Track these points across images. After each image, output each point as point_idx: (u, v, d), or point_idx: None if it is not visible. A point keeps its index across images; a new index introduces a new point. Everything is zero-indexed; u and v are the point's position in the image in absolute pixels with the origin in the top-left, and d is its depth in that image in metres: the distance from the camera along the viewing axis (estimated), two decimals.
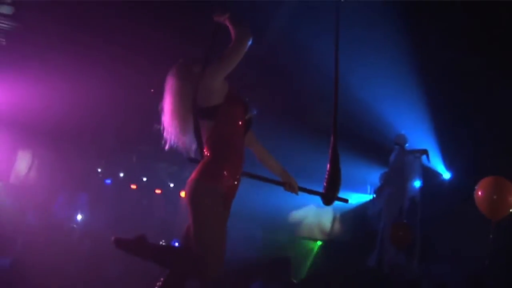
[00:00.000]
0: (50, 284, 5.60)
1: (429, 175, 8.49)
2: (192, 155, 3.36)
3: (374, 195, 9.08)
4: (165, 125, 3.26)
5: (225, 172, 3.11)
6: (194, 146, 3.32)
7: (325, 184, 3.51)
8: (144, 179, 12.45)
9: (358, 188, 9.61)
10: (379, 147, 8.77)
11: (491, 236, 5.96)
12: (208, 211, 3.02)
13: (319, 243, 10.04)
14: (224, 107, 3.17)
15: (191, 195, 3.05)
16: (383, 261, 7.72)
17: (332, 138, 3.59)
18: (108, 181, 12.58)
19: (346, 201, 3.66)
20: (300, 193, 3.55)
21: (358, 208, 9.79)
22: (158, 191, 12.40)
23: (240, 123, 3.24)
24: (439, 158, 8.71)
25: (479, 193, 6.09)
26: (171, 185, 12.39)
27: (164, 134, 3.27)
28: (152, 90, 7.94)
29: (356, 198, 9.78)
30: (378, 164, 9.10)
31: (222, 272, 3.06)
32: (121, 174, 12.41)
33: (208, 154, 3.18)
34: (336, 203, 3.58)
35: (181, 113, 3.22)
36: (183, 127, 3.25)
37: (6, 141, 9.05)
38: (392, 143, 8.27)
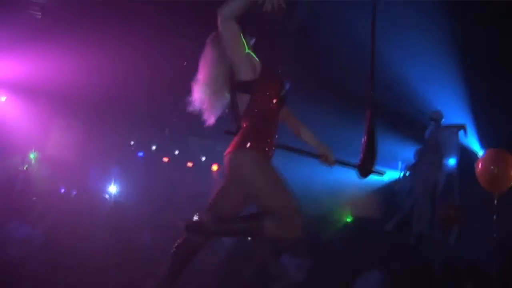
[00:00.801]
0: (82, 252, 5.74)
1: (465, 152, 8.31)
2: (219, 127, 3.37)
3: (407, 172, 8.94)
4: (198, 96, 3.25)
5: (261, 143, 3.12)
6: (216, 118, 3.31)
7: (361, 156, 3.47)
8: (176, 152, 12.55)
9: (389, 164, 9.49)
10: (413, 123, 8.61)
11: (495, 217, 5.83)
12: (263, 176, 3.04)
13: (348, 218, 10.02)
14: (260, 82, 3.16)
15: (238, 166, 3.07)
16: (412, 233, 7.65)
17: (368, 110, 3.53)
18: (141, 153, 12.75)
19: (382, 174, 3.62)
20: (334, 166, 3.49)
21: (389, 185, 9.70)
22: (189, 164, 12.51)
23: (275, 98, 3.22)
24: (474, 136, 8.51)
25: (479, 166, 6.00)
26: (203, 158, 12.47)
27: (197, 105, 3.25)
28: (185, 63, 7.94)
29: (387, 174, 9.69)
30: (411, 140, 8.95)
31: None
32: (154, 147, 12.54)
33: (244, 126, 3.19)
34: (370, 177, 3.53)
35: (216, 85, 3.23)
36: (217, 99, 3.26)
37: (42, 113, 9.21)
38: (427, 119, 8.11)
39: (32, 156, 9.28)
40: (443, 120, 7.96)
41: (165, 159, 12.54)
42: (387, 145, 8.23)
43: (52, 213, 6.77)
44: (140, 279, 5.97)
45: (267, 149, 3.13)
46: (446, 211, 7.35)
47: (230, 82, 3.22)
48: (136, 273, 6.12)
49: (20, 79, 8.21)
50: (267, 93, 3.19)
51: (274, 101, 3.22)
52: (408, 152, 8.93)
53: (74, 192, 9.21)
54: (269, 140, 3.16)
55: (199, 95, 3.25)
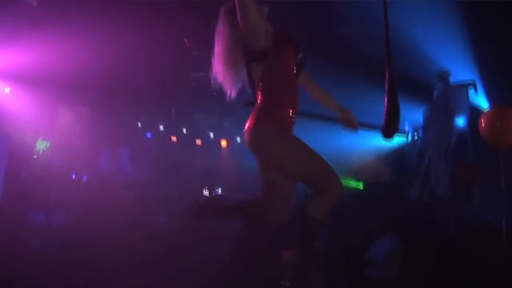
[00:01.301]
0: (98, 234, 5.81)
1: (475, 110, 8.21)
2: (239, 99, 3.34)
3: (415, 133, 8.85)
4: (216, 70, 3.23)
5: (279, 114, 3.08)
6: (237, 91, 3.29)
7: (384, 117, 3.42)
8: (184, 130, 12.54)
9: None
10: (420, 83, 8.48)
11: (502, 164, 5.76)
12: (284, 147, 3.03)
13: (361, 184, 10.02)
14: (273, 48, 3.10)
15: (258, 144, 3.06)
16: (425, 191, 7.63)
17: (387, 70, 3.48)
18: (149, 134, 12.75)
19: (406, 133, 3.60)
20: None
21: (397, 148, 9.64)
22: (198, 142, 12.51)
23: (291, 64, 3.16)
24: (482, 93, 8.39)
25: (482, 123, 6.00)
26: (211, 135, 12.45)
27: (218, 79, 3.24)
28: (186, 40, 7.86)
29: (395, 137, 9.61)
30: (417, 101, 8.82)
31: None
32: (161, 127, 12.52)
33: (261, 98, 3.15)
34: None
35: (231, 58, 3.19)
36: (236, 72, 3.22)
37: (47, 101, 9.20)
38: (435, 78, 7.98)
39: (41, 145, 9.30)
40: (451, 78, 7.85)
41: (174, 138, 12.53)
42: None
43: (66, 199, 6.82)
44: (157, 258, 6.07)
45: (285, 120, 3.09)
46: (461, 169, 7.32)
47: (244, 53, 3.16)
48: (153, 253, 6.20)
49: (22, 69, 8.18)
50: (282, 59, 3.13)
51: (290, 66, 3.16)
52: (415, 114, 8.83)
53: (85, 177, 9.25)
54: (287, 110, 3.11)
55: (218, 69, 3.23)
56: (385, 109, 3.41)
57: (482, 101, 8.35)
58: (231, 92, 3.27)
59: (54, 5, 7.72)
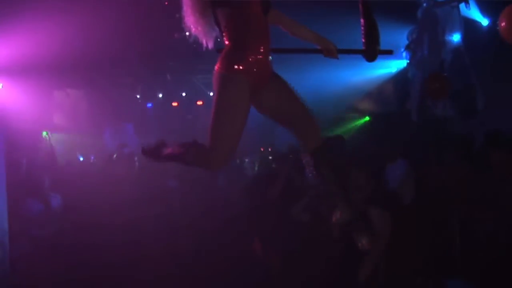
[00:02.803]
0: (116, 208, 5.91)
1: (470, 25, 8.00)
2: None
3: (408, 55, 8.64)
4: (189, 25, 3.21)
5: (245, 58, 3.04)
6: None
7: (363, 39, 3.36)
8: (184, 94, 12.51)
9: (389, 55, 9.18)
10: (405, 4, 8.19)
11: None
12: (227, 100, 3.01)
13: (367, 118, 10.00)
14: None
15: (214, 85, 3.07)
16: (413, 108, 7.60)
17: None
18: (149, 104, 12.75)
19: (390, 52, 3.56)
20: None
21: (398, 75, 9.54)
22: (199, 103, 12.51)
23: (253, 6, 3.10)
24: (475, 7, 8.13)
25: (503, 23, 5.57)
26: (211, 94, 12.42)
27: (192, 31, 3.22)
28: (166, 3, 7.74)
29: (393, 65, 9.48)
30: (407, 23, 8.57)
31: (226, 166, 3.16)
32: (160, 95, 12.51)
33: (226, 42, 3.12)
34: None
35: (198, 7, 3.15)
36: (205, 22, 3.19)
37: (41, 88, 9.18)
38: None
39: (43, 133, 9.35)
40: None
41: (175, 104, 12.53)
42: (384, 35, 7.86)
43: (76, 180, 6.90)
44: (179, 225, 6.17)
45: (248, 63, 3.04)
46: (432, 82, 7.21)
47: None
48: (174, 221, 6.31)
49: (11, 61, 8.10)
50: (243, 2, 3.07)
51: (253, 8, 3.10)
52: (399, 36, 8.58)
53: (92, 157, 9.33)
54: (251, 53, 3.06)
55: (189, 20, 3.20)
56: (363, 30, 3.35)
57: (476, 16, 8.12)
58: (206, 42, 3.24)
59: None
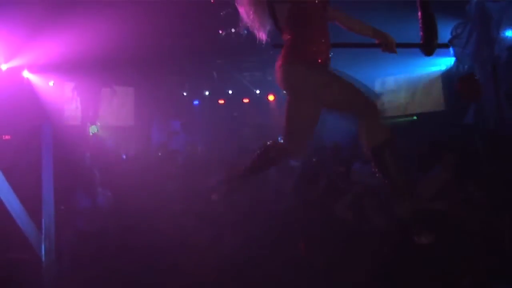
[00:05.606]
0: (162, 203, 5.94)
1: None
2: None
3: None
4: (243, 17, 3.25)
5: (310, 49, 3.07)
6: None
7: (421, 33, 3.31)
8: (230, 91, 12.53)
9: (439, 52, 8.83)
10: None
11: None
12: (319, 77, 3.05)
13: (414, 118, 9.75)
14: None
15: (281, 79, 3.09)
16: (486, 117, 7.26)
17: None
18: (196, 102, 12.84)
19: (447, 46, 3.49)
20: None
21: (445, 73, 9.20)
22: (246, 100, 12.50)
23: (314, 0, 3.09)
24: None
25: None
26: (257, 91, 12.39)
27: (247, 25, 3.27)
28: (212, 1, 7.72)
29: (440, 63, 9.16)
30: (453, 18, 8.21)
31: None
32: (206, 93, 12.57)
33: (288, 37, 3.14)
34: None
35: (255, 1, 3.18)
36: (259, 13, 3.21)
37: (91, 85, 9.35)
38: None
39: (93, 129, 9.51)
40: None
41: (221, 101, 12.57)
42: None
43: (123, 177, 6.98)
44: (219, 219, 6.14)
45: (313, 55, 3.07)
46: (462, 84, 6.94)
47: None
48: (214, 215, 6.27)
49: (62, 60, 8.27)
50: None
51: (314, 3, 3.09)
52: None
53: (124, 156, 9.42)
54: (314, 46, 3.08)
55: (243, 12, 3.24)
56: (421, 24, 3.30)
57: None
58: (260, 34, 3.26)
59: None
